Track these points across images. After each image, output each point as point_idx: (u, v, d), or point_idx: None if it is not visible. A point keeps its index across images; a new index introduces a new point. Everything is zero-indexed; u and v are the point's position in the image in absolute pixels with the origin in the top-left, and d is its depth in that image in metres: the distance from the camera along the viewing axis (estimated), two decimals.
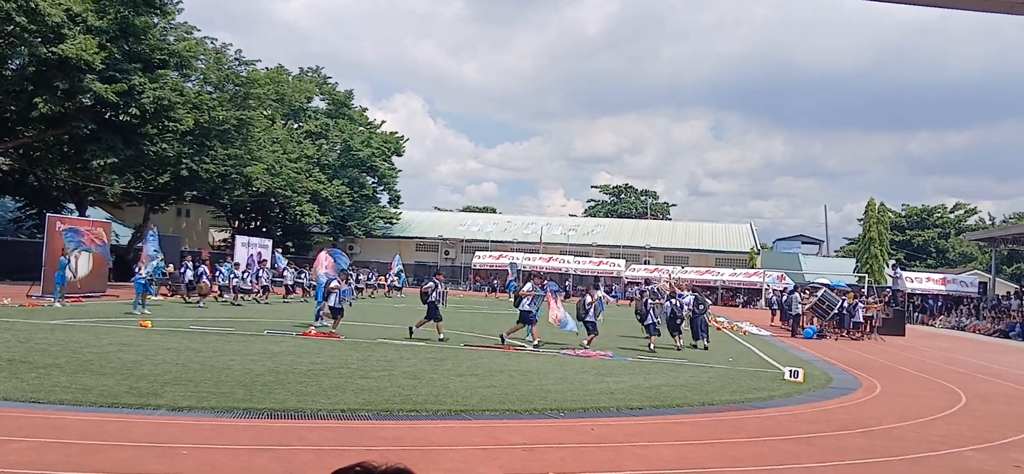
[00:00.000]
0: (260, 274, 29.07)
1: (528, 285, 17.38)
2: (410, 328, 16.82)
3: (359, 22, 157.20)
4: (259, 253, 34.58)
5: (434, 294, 16.48)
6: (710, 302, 18.50)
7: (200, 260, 28.34)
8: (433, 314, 16.43)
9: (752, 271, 56.56)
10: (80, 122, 28.98)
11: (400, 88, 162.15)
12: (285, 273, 32.51)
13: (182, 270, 26.21)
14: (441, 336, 16.35)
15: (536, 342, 16.19)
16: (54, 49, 26.60)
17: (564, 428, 8.30)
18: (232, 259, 31.06)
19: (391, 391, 9.64)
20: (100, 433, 6.86)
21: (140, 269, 20.87)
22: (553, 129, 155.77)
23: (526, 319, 16.56)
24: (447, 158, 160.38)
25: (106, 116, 30.35)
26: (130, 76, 29.19)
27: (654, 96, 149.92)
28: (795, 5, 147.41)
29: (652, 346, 16.76)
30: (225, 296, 26.33)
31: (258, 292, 28.44)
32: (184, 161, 35.56)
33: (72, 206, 38.16)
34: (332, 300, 17.04)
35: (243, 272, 28.11)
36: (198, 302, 24.09)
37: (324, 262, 18.51)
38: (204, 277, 25.14)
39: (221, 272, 26.61)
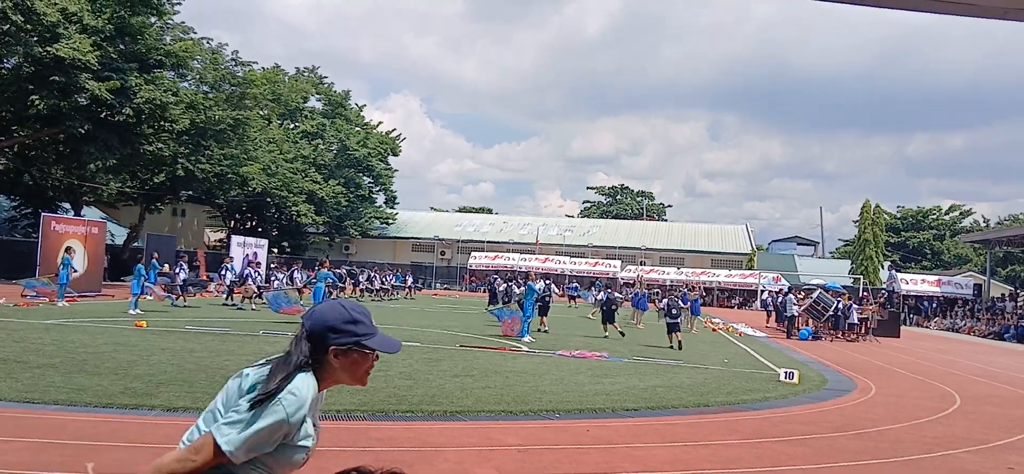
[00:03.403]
0: (295, 276, 29.00)
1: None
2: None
3: (358, 20, 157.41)
4: (254, 254, 34.47)
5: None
6: (618, 297, 20.90)
7: (225, 261, 28.07)
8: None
9: (748, 272, 56.67)
10: (75, 121, 28.90)
11: (397, 88, 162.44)
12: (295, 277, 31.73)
13: (223, 272, 25.91)
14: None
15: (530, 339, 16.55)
16: (49, 49, 26.50)
17: (559, 429, 8.30)
18: (229, 259, 30.92)
19: (386, 392, 9.64)
20: (95, 434, 6.85)
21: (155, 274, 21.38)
22: (551, 129, 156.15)
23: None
24: (445, 158, 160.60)
25: (102, 116, 30.29)
26: (126, 76, 29.12)
27: (653, 97, 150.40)
28: (794, 7, 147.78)
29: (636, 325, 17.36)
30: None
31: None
32: (180, 161, 35.52)
33: (67, 206, 38.10)
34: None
35: (284, 275, 28.10)
36: (238, 303, 23.72)
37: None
38: (249, 279, 24.75)
39: (251, 274, 26.37)
